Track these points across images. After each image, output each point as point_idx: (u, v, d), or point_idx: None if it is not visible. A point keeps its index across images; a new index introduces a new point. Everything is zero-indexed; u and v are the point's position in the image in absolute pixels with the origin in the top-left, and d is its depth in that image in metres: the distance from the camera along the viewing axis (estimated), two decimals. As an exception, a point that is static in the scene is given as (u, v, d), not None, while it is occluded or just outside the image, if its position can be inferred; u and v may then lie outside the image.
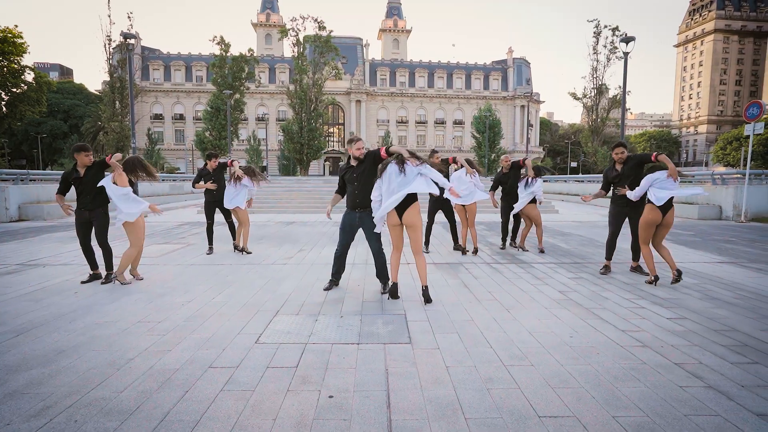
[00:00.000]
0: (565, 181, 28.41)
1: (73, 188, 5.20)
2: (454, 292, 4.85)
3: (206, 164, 7.30)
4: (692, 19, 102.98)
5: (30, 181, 14.45)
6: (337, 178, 4.98)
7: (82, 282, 5.23)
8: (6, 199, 12.55)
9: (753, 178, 14.60)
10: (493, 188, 7.80)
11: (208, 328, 3.68)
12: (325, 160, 63.36)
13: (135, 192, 5.27)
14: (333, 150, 63.52)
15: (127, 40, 13.23)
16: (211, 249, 7.31)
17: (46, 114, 54.15)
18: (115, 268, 5.32)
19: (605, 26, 39.04)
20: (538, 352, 3.17)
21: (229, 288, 5.03)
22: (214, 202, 7.20)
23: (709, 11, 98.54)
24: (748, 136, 13.30)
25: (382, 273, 4.83)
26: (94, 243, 5.32)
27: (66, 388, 2.63)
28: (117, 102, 40.44)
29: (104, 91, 42.69)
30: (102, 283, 5.18)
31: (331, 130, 63.43)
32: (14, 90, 36.91)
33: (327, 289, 4.91)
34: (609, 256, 5.84)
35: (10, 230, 10.51)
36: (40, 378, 2.76)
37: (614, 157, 5.70)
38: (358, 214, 4.69)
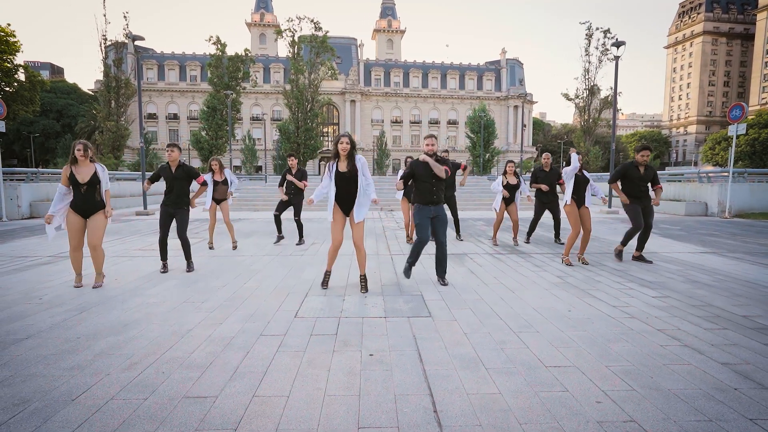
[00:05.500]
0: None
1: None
2: (463, 278, 5.36)
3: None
4: (681, 21, 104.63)
5: (39, 180, 14.70)
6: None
7: (162, 272, 5.62)
8: (18, 197, 12.85)
9: (736, 176, 15.30)
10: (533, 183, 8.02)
11: (249, 307, 4.14)
12: (320, 160, 63.65)
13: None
14: (328, 150, 63.81)
15: (135, 41, 13.56)
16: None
17: (39, 113, 53.85)
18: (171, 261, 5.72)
19: (597, 28, 39.88)
20: (542, 322, 3.69)
21: (257, 275, 5.49)
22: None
23: (698, 13, 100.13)
24: (737, 137, 14.00)
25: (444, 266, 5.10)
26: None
27: (143, 350, 3.09)
28: (113, 101, 40.37)
29: (100, 91, 42.57)
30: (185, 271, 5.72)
31: (325, 129, 63.73)
32: (7, 89, 36.66)
33: (443, 285, 4.98)
34: (625, 243, 6.42)
35: (26, 226, 10.84)
36: (117, 343, 3.22)
37: (639, 160, 6.16)
38: (433, 209, 4.87)
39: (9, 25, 33.99)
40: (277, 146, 48.99)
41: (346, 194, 4.54)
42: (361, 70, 66.11)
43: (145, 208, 14.39)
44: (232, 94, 33.55)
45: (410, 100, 67.46)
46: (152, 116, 64.43)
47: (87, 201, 4.69)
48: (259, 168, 57.40)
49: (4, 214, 12.45)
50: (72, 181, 4.63)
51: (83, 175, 4.65)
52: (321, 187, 4.64)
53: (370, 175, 4.64)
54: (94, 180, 4.70)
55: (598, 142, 43.18)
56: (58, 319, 3.77)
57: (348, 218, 4.68)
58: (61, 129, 60.88)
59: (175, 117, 64.97)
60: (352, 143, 4.54)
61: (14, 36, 34.20)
